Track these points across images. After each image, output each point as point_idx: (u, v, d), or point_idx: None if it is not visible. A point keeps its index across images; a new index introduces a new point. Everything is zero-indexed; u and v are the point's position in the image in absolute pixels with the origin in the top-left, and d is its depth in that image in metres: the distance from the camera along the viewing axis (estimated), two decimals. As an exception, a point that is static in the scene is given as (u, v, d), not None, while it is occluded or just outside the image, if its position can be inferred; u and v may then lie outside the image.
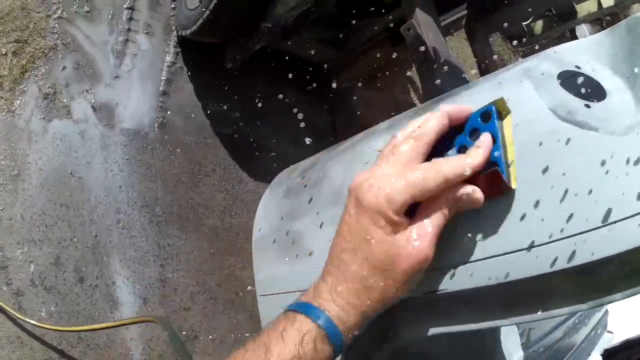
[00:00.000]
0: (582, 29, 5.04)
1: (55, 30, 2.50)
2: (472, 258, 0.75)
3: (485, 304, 0.77)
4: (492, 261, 0.72)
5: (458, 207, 0.72)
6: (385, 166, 0.71)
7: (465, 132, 0.74)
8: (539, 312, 0.71)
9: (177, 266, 2.52)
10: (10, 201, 2.15)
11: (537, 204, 0.70)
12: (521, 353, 1.48)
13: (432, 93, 2.20)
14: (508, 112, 0.75)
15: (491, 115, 0.73)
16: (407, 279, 0.70)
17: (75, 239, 2.26)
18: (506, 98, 0.74)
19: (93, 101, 2.52)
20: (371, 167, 0.74)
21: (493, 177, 0.71)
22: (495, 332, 1.42)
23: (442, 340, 0.88)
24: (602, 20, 4.63)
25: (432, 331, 0.82)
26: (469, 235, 0.76)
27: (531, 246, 0.69)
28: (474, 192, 0.70)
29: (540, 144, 0.72)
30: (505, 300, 0.75)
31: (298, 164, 1.40)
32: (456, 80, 2.29)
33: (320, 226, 1.09)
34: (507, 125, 0.75)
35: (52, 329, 1.99)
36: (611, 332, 2.18)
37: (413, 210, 0.72)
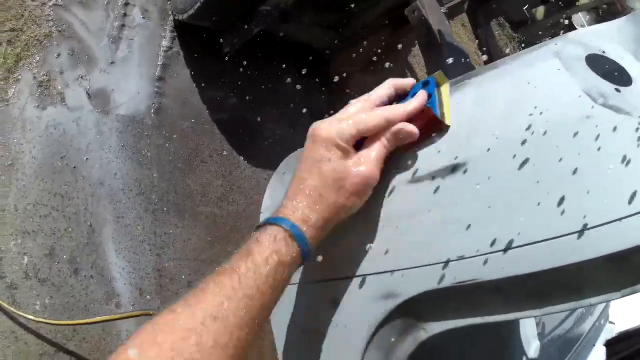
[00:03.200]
0: (579, 16, 5.01)
1: (50, 18, 2.35)
2: (508, 245, 0.72)
3: (517, 295, 0.74)
4: (530, 248, 0.69)
5: (397, 140, 0.84)
6: (339, 114, 0.87)
7: (408, 96, 0.88)
8: (572, 302, 0.69)
9: (173, 255, 2.39)
10: (3, 192, 2.02)
11: (580, 188, 0.67)
12: (538, 343, 1.42)
13: None
14: (445, 81, 0.90)
15: (429, 83, 0.88)
16: (353, 192, 0.81)
17: (70, 229, 2.13)
18: (537, 78, 0.76)
19: (88, 87, 2.38)
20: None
21: (428, 117, 0.84)
22: (513, 322, 1.35)
23: (461, 329, 0.83)
24: (598, 9, 4.58)
25: (461, 323, 0.80)
26: (504, 220, 0.73)
27: (582, 230, 0.66)
28: (407, 126, 0.83)
29: (576, 129, 0.70)
30: (538, 291, 0.72)
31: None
32: (461, 63, 2.22)
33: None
34: (444, 91, 0.89)
35: (61, 324, 1.90)
36: (613, 323, 2.12)
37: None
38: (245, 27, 2.61)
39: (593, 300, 0.67)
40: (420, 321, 0.84)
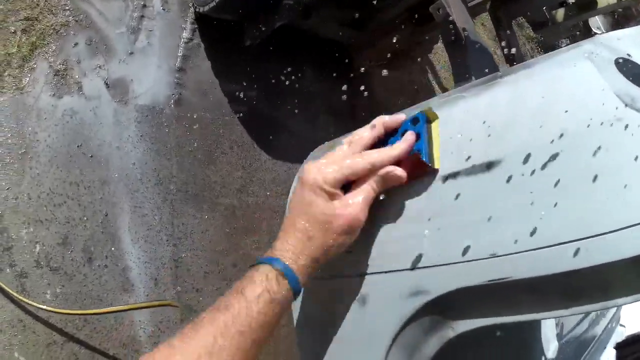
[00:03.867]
0: (596, 20, 4.98)
1: (67, 7, 2.30)
2: (544, 243, 0.71)
3: (550, 294, 0.74)
4: (564, 247, 0.68)
5: (385, 183, 0.86)
6: (326, 159, 0.88)
7: (398, 134, 0.89)
8: (601, 303, 0.69)
9: (190, 246, 2.32)
10: (16, 180, 1.96)
11: (613, 186, 0.67)
12: (556, 344, 1.43)
13: (461, 73, 2.13)
14: (436, 118, 0.89)
15: (419, 120, 0.87)
16: (341, 233, 0.83)
17: (85, 218, 2.07)
18: (570, 78, 0.76)
19: (106, 77, 2.32)
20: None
21: (416, 160, 0.85)
22: (536, 321, 1.38)
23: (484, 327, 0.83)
24: (615, 13, 4.57)
25: (491, 322, 0.80)
26: (539, 217, 0.72)
27: (614, 230, 0.65)
28: (395, 170, 0.84)
29: (608, 129, 0.69)
30: (570, 290, 0.72)
31: (337, 139, 1.24)
32: (485, 61, 2.21)
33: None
34: (435, 128, 0.88)
35: (75, 314, 1.84)
36: (623, 326, 2.13)
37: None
38: (268, 20, 2.54)
39: (621, 301, 0.68)
40: (448, 319, 0.85)
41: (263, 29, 2.59)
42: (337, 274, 0.98)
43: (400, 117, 0.91)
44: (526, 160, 0.75)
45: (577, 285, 0.71)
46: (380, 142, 0.91)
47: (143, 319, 2.09)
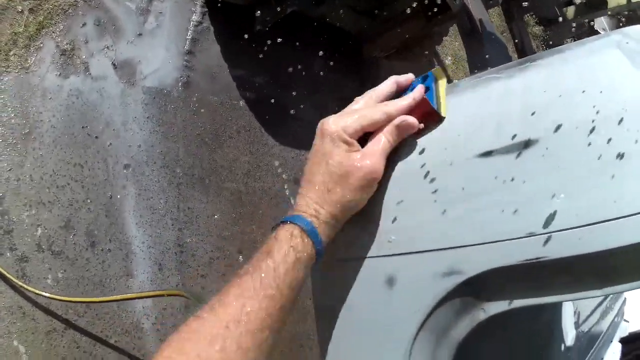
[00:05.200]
0: (601, 21, 5.16)
1: (76, -13, 2.19)
2: (582, 222, 0.68)
3: (584, 275, 0.71)
4: (606, 225, 0.66)
5: (399, 132, 0.85)
6: (345, 111, 0.88)
7: (409, 90, 0.89)
8: (635, 282, 0.67)
9: (196, 230, 2.23)
10: (18, 161, 1.88)
11: None
12: (574, 332, 1.42)
13: (477, 63, 2.07)
14: (442, 77, 0.91)
15: (428, 77, 0.90)
16: (359, 186, 0.81)
17: (89, 201, 1.98)
18: (602, 64, 0.76)
19: (114, 58, 2.23)
20: None
21: (424, 106, 0.85)
22: (558, 307, 1.37)
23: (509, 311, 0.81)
24: (620, 15, 4.59)
25: (524, 303, 0.77)
26: (577, 195, 0.70)
27: None
28: (407, 118, 0.84)
29: None
30: (602, 270, 0.70)
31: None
32: (501, 52, 2.15)
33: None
34: (442, 85, 0.90)
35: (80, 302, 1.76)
36: (627, 321, 2.14)
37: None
38: (279, 6, 2.45)
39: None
40: (480, 301, 0.82)
41: (274, 14, 2.50)
42: (361, 255, 0.94)
43: (410, 76, 0.93)
44: (562, 139, 0.74)
45: (611, 265, 0.69)
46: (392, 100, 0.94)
47: (147, 306, 2.01)
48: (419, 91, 0.87)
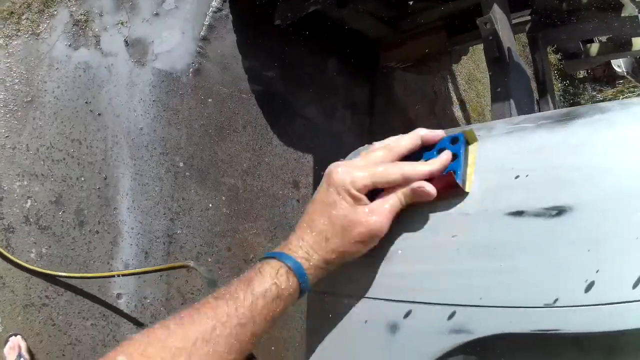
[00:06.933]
0: (619, 61, 5.07)
1: (97, -43, 2.13)
2: (598, 301, 0.65)
3: (590, 350, 0.69)
4: (626, 307, 0.62)
5: (413, 197, 0.80)
6: (358, 161, 0.83)
7: (434, 150, 0.83)
8: None
9: (188, 222, 2.18)
10: (17, 129, 1.82)
11: None
12: None
13: (500, 92, 2.02)
14: (475, 140, 0.85)
15: (458, 140, 0.82)
16: (360, 240, 0.78)
17: (83, 179, 1.92)
18: None
19: (127, 35, 2.17)
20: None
21: (448, 180, 0.79)
22: None
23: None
24: (637, 57, 4.60)
25: None
26: (601, 273, 0.66)
27: None
28: (426, 185, 0.78)
29: None
30: (612, 348, 0.67)
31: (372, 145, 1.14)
32: (523, 84, 2.12)
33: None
34: (473, 151, 0.84)
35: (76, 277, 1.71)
36: None
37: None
38: (302, 3, 2.39)
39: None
40: None
41: (296, 11, 2.44)
42: (364, 295, 0.89)
43: (439, 133, 0.86)
44: (600, 211, 0.69)
45: (621, 343, 0.67)
46: (414, 155, 0.86)
47: (128, 293, 1.95)
48: (444, 159, 0.81)
